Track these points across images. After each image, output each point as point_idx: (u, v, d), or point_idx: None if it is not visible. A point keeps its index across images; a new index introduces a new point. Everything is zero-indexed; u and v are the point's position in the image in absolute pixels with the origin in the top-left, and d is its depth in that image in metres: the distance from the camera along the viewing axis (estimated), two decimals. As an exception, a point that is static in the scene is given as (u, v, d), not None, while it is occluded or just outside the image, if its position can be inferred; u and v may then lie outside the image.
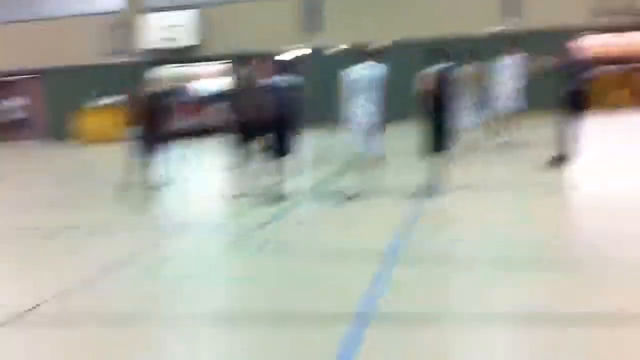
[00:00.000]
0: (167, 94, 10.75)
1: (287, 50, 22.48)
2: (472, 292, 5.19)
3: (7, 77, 25.04)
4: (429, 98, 8.86)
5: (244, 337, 4.63)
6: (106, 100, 22.06)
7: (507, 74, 13.30)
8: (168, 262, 6.72)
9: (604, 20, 20.53)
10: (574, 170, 10.15)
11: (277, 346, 4.35)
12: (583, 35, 18.51)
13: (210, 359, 4.40)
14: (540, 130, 14.62)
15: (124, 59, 23.38)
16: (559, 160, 10.50)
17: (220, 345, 4.59)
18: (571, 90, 10.35)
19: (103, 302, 5.48)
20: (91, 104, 22.14)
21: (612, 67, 21.35)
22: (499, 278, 5.47)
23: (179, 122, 21.72)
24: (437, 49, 8.98)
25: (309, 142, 17.90)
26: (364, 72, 9.01)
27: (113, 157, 18.51)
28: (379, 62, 9.11)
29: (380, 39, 21.03)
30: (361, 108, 9.02)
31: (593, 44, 21.62)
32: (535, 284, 5.24)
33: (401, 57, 20.24)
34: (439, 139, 8.92)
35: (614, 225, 6.92)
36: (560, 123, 10.55)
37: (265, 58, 13.35)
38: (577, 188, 9.31)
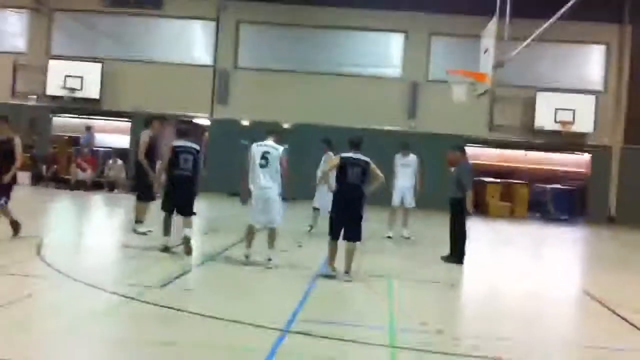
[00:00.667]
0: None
1: (190, 117, 22.58)
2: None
3: None
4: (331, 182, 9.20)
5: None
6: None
7: (403, 172, 13.93)
8: (49, 313, 6.43)
9: (497, 135, 22.06)
10: (461, 268, 10.72)
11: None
12: (471, 145, 19.94)
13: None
14: (427, 227, 15.36)
15: (25, 101, 22.66)
16: (451, 257, 11.03)
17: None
18: (459, 196, 10.97)
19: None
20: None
21: (497, 180, 22.80)
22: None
23: (77, 173, 21.14)
24: (355, 138, 9.23)
25: (209, 208, 17.89)
26: (264, 148, 9.41)
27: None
28: (277, 141, 9.61)
29: (282, 120, 21.69)
30: (261, 181, 9.29)
31: (482, 156, 23.22)
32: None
33: (300, 140, 20.90)
34: (338, 223, 9.11)
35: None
36: (451, 224, 11.12)
37: (168, 121, 13.48)
38: (462, 284, 9.83)
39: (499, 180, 22.93)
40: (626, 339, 7.14)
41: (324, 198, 11.94)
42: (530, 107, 21.98)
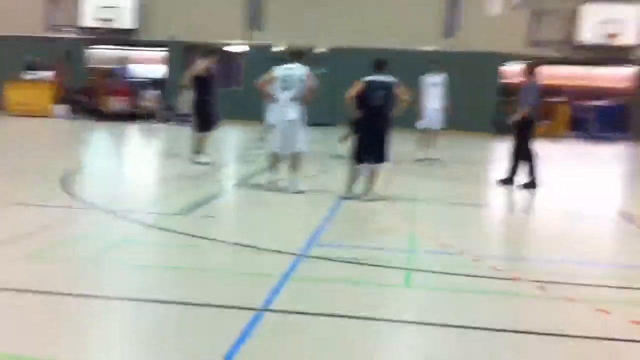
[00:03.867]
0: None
1: (225, 44, 22.33)
2: (370, 294, 5.28)
3: None
4: (354, 106, 9.03)
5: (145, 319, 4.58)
6: (34, 74, 21.41)
7: (432, 92, 13.57)
8: (73, 242, 6.54)
9: (538, 51, 21.27)
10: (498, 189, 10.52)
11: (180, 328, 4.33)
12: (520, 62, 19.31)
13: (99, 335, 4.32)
14: (457, 149, 15.10)
15: (60, 34, 22.70)
16: (509, 180, 10.74)
17: (115, 324, 4.52)
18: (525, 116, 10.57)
19: None
20: (19, 75, 21.41)
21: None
22: (398, 282, 5.61)
23: (113, 104, 21.32)
24: (378, 61, 9.07)
25: (242, 136, 17.98)
26: (286, 71, 9.22)
27: (35, 130, 18.10)
28: (302, 63, 9.33)
29: (319, 44, 21.31)
30: (282, 105, 9.20)
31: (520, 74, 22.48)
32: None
33: (340, 63, 20.54)
34: (364, 148, 9.04)
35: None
36: (515, 146, 10.82)
37: (218, 51, 13.53)
38: (493, 205, 9.66)
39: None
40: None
41: None
42: (571, 20, 21.04)
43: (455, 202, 9.56)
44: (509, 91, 22.19)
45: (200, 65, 11.70)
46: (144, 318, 4.66)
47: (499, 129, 21.09)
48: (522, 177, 10.74)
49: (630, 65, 21.78)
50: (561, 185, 12.13)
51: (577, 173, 14.45)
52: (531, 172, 10.67)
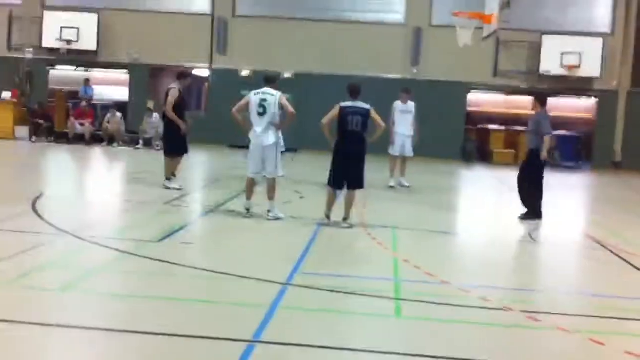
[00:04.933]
0: None
1: (189, 68, 22.14)
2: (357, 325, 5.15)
3: None
4: (331, 131, 8.98)
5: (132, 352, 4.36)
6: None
7: (403, 119, 13.58)
8: (45, 270, 6.26)
9: (504, 81, 21.61)
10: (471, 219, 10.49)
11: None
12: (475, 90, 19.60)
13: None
14: (427, 176, 15.12)
15: (21, 54, 22.20)
16: (529, 214, 10.51)
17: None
18: (535, 146, 10.41)
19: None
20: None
21: (501, 127, 22.44)
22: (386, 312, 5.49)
23: (75, 127, 20.73)
24: (353, 86, 9.08)
25: (210, 160, 17.77)
26: (261, 96, 9.07)
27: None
28: (275, 88, 9.21)
29: (284, 69, 21.23)
30: (258, 130, 9.06)
31: (486, 103, 22.85)
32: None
33: (306, 89, 20.53)
34: (340, 174, 8.98)
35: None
36: (523, 178, 10.68)
37: (190, 74, 13.25)
38: (469, 233, 9.64)
39: (503, 127, 22.57)
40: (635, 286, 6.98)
41: None
42: (535, 51, 21.48)
43: (430, 229, 9.51)
44: (476, 119, 22.56)
45: (175, 90, 11.49)
46: (129, 351, 4.45)
47: (467, 157, 21.31)
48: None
49: (591, 96, 22.29)
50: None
51: (544, 201, 14.56)
52: (537, 202, 10.50)
